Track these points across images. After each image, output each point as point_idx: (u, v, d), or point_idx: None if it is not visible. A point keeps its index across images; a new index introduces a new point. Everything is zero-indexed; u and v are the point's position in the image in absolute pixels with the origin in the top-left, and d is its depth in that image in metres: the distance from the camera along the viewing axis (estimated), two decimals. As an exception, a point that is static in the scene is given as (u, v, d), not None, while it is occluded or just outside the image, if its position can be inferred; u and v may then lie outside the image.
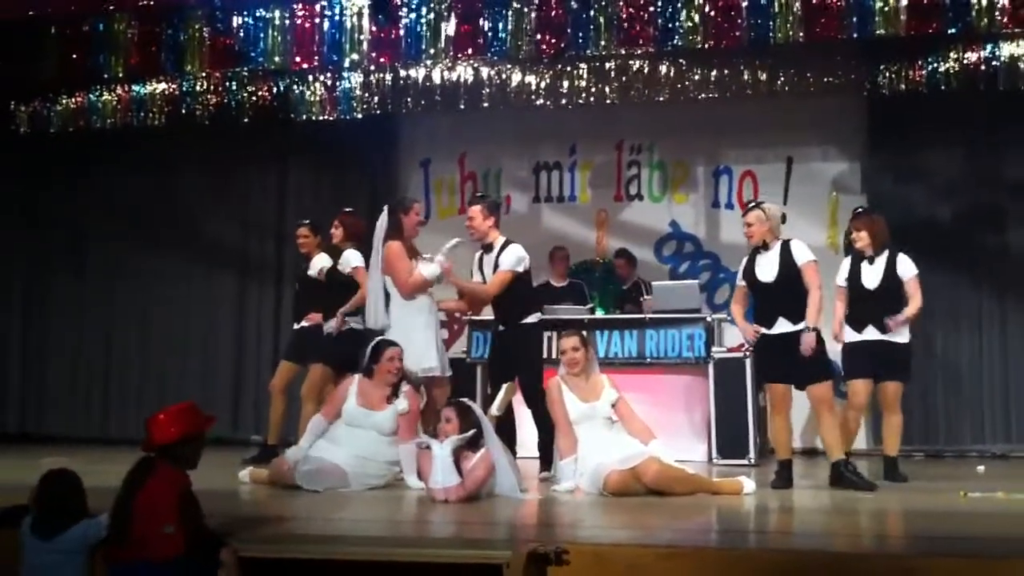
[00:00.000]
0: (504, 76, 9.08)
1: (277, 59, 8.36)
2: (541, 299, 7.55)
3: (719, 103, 9.11)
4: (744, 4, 7.60)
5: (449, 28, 8.03)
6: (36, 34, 8.57)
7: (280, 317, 10.06)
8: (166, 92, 9.43)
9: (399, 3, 8.01)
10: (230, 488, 6.41)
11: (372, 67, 8.89)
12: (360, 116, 9.34)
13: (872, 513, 5.68)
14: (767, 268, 6.56)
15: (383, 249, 6.93)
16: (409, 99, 9.24)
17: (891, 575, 4.08)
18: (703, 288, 9.18)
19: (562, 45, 8.00)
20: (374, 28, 8.13)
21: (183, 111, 9.42)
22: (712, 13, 7.67)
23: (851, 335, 6.90)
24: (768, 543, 4.93)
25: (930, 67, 8.47)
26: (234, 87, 9.43)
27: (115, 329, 10.62)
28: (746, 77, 8.79)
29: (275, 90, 9.41)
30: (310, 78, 9.29)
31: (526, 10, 7.92)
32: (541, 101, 9.12)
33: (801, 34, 7.58)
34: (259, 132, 9.93)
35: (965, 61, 8.35)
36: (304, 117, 9.42)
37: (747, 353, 8.04)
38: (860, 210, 7.68)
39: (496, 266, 6.98)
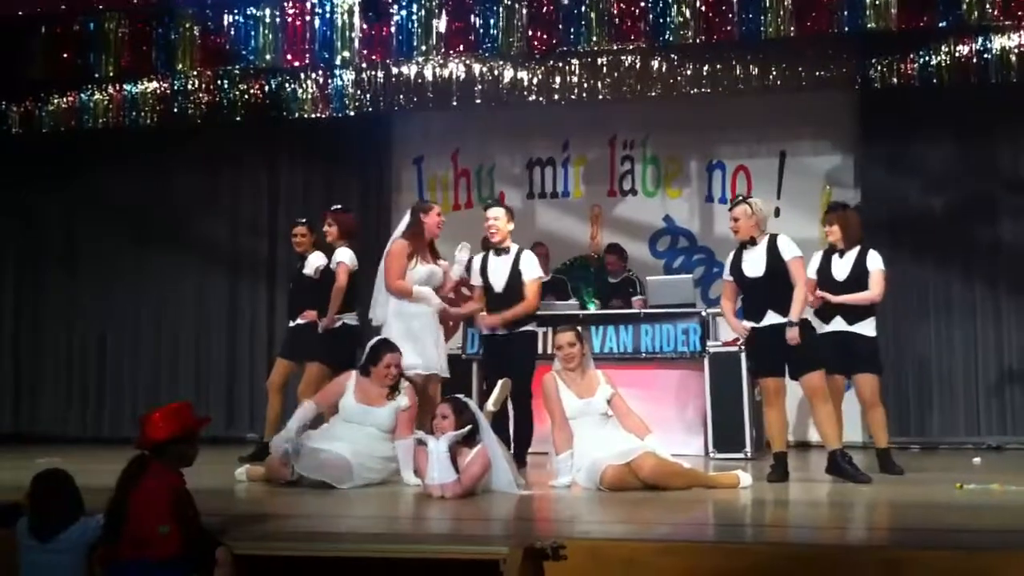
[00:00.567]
0: (496, 72, 9.07)
1: (269, 57, 8.35)
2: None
3: (712, 98, 9.11)
4: (735, -1, 7.62)
5: (440, 25, 8.03)
6: (27, 33, 8.56)
7: (274, 315, 10.06)
8: (158, 91, 9.40)
9: (390, 0, 8.00)
10: (226, 486, 6.40)
11: (364, 64, 8.88)
12: (352, 114, 9.33)
13: (867, 506, 5.68)
14: (754, 263, 6.56)
15: (389, 244, 7.10)
16: (401, 96, 9.23)
17: (887, 568, 4.08)
18: (697, 282, 9.19)
19: (554, 41, 8.01)
20: (365, 26, 8.12)
21: (175, 110, 9.39)
22: (703, 8, 7.68)
23: (819, 327, 6.86)
24: (765, 537, 4.94)
25: (922, 60, 8.47)
26: (226, 86, 9.41)
27: (108, 328, 10.61)
28: (738, 72, 8.79)
29: (267, 88, 9.39)
30: (302, 76, 9.27)
31: (517, 6, 7.92)
32: (533, 97, 9.12)
33: (792, 28, 7.59)
34: (251, 130, 9.91)
35: (957, 54, 8.35)
36: (296, 115, 9.40)
37: (742, 347, 8.04)
38: (834, 204, 7.59)
39: (514, 272, 7.08)
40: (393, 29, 8.10)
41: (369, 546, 4.37)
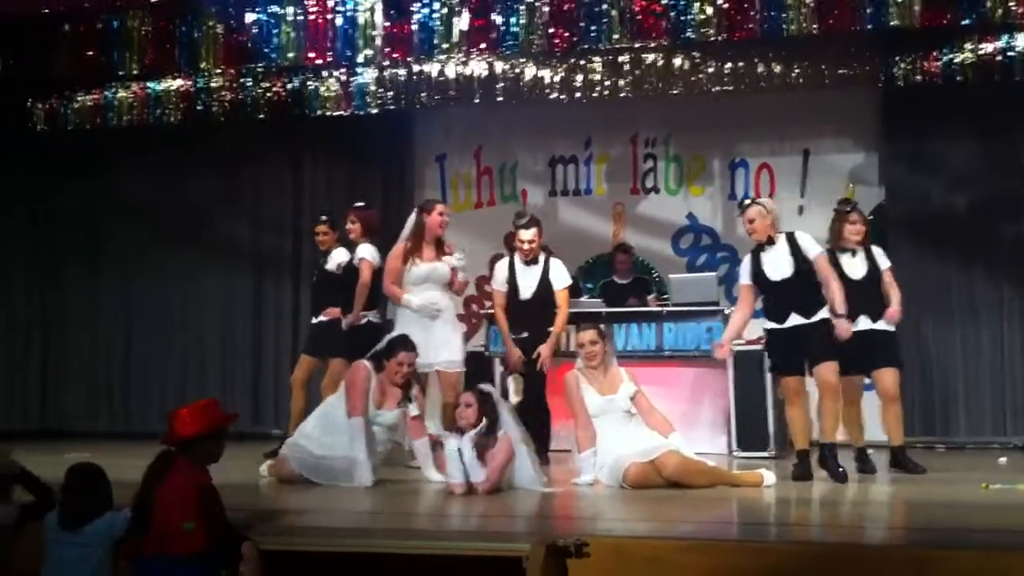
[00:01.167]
0: (518, 70, 9.06)
1: (291, 55, 8.38)
2: None
3: (734, 96, 9.07)
4: (757, -4, 7.60)
5: (462, 23, 8.04)
6: (51, 31, 8.62)
7: (298, 311, 10.08)
8: (181, 89, 9.44)
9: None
10: (251, 482, 6.44)
11: (386, 62, 8.89)
12: (375, 111, 9.34)
13: (892, 505, 5.67)
14: (777, 265, 6.50)
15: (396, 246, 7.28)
16: (423, 94, 9.23)
17: (911, 567, 4.07)
18: (721, 280, 9.15)
19: (575, 39, 8.01)
20: (387, 23, 8.14)
21: (198, 108, 9.43)
22: (725, 5, 7.66)
23: (864, 322, 6.80)
24: (789, 536, 4.93)
25: (945, 58, 8.42)
26: (249, 84, 9.44)
27: (134, 325, 10.66)
28: (760, 69, 8.75)
29: (289, 86, 9.41)
30: (324, 74, 9.29)
31: (538, 4, 7.92)
32: (555, 95, 9.10)
33: (815, 26, 7.56)
34: (274, 128, 9.93)
35: (980, 52, 8.30)
36: (319, 113, 9.42)
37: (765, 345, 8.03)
38: (853, 202, 7.53)
39: (544, 281, 7.29)
40: (415, 27, 8.11)
41: (392, 542, 4.40)
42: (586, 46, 8.22)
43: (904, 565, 4.10)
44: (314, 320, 8.01)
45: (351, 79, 9.31)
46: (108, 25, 8.59)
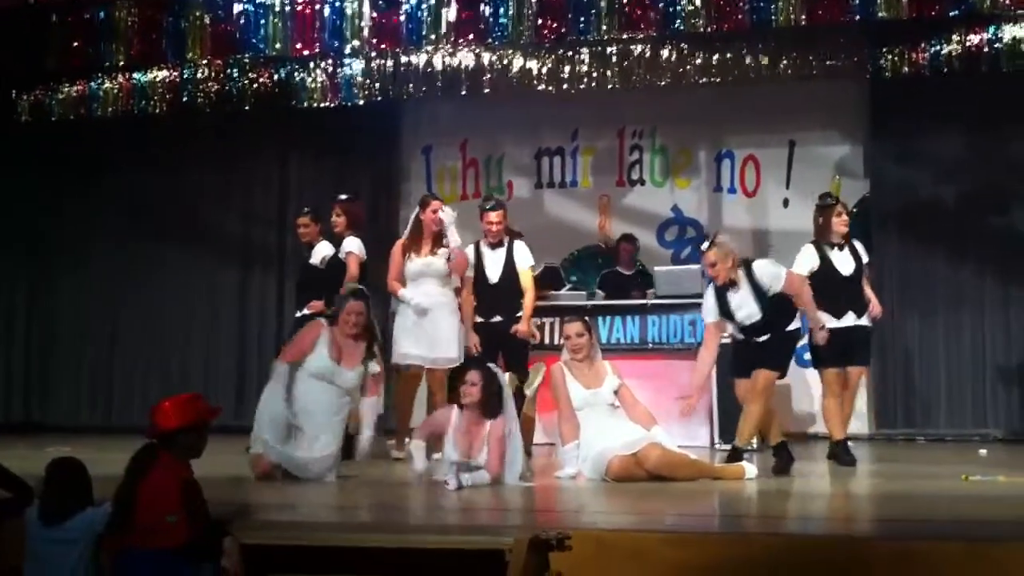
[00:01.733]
0: (505, 62, 9.04)
1: (278, 46, 8.34)
2: None
3: (721, 87, 9.08)
4: (745, -13, 7.59)
5: (450, 14, 8.02)
6: (37, 22, 8.57)
7: (283, 305, 10.07)
8: (167, 80, 9.38)
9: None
10: (234, 476, 6.42)
11: (373, 53, 8.86)
12: (362, 102, 9.31)
13: (874, 497, 5.69)
14: (744, 307, 6.42)
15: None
16: (411, 85, 9.20)
17: (893, 558, 4.08)
18: (705, 273, 9.16)
19: (563, 30, 7.99)
20: (374, 14, 8.11)
21: (184, 99, 9.38)
22: (714, -4, 7.66)
23: (830, 322, 6.80)
24: (771, 528, 4.94)
25: (932, 50, 8.43)
26: (235, 74, 9.39)
27: (118, 319, 10.64)
28: (748, 61, 8.75)
29: (276, 77, 9.37)
30: (311, 64, 9.25)
31: (526, -5, 7.91)
32: (543, 87, 9.08)
33: (803, 17, 7.56)
34: (261, 119, 9.90)
35: (967, 44, 8.30)
36: (305, 104, 9.39)
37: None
38: (835, 197, 7.54)
39: (509, 262, 7.41)
40: (403, 18, 8.09)
41: (374, 536, 4.40)
42: (574, 38, 8.21)
43: (885, 556, 4.12)
44: (298, 314, 7.99)
45: (338, 70, 9.28)
46: (95, 16, 8.54)
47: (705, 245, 6.56)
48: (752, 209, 9.69)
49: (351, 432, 7.12)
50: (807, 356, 7.42)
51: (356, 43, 8.23)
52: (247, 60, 9.09)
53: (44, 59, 8.67)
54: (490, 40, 8.24)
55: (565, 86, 9.06)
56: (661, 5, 7.76)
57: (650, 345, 8.20)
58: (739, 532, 4.69)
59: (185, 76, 9.38)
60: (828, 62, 8.71)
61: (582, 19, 7.89)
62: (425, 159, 10.41)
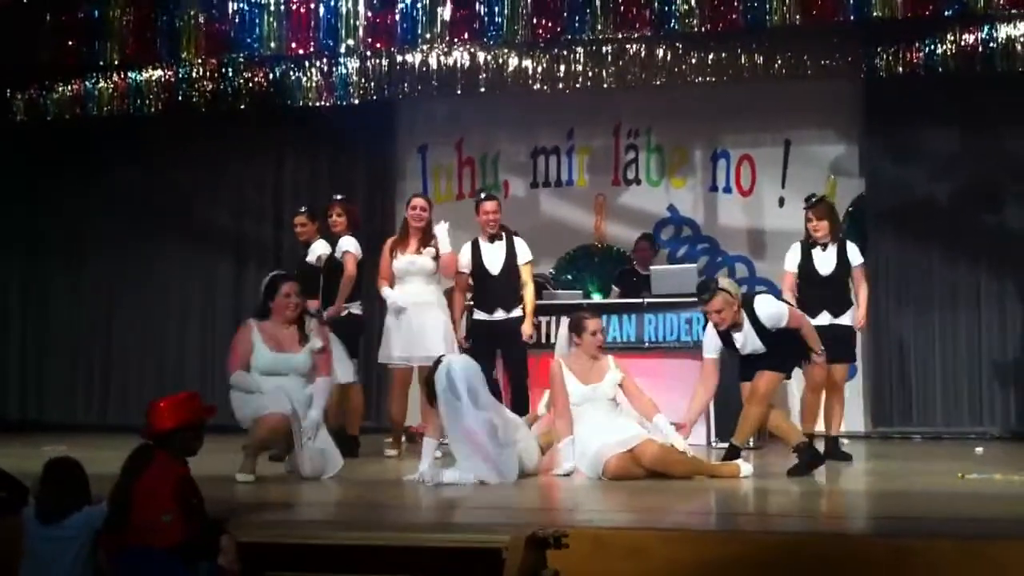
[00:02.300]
0: (501, 60, 9.05)
1: (273, 45, 8.35)
2: None
3: (716, 87, 9.09)
4: (740, -13, 7.60)
5: (445, 12, 8.03)
6: (31, 21, 8.55)
7: (278, 304, 10.03)
8: (162, 79, 9.39)
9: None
10: (230, 474, 6.41)
11: (368, 52, 8.86)
12: (357, 101, 9.31)
13: (870, 495, 5.70)
14: (750, 345, 6.43)
15: None
16: (406, 84, 9.21)
17: (889, 556, 4.09)
18: (701, 272, 9.17)
19: (558, 29, 8.00)
20: (370, 13, 8.11)
21: (180, 98, 9.38)
22: (709, -4, 7.67)
23: (825, 317, 6.95)
24: (769, 525, 4.95)
25: (927, 49, 8.44)
26: (230, 73, 9.39)
27: (114, 317, 10.62)
28: (743, 60, 8.76)
29: (271, 76, 9.37)
30: (306, 64, 9.25)
31: (521, -6, 7.92)
32: (538, 86, 9.09)
33: (798, 17, 7.57)
34: (256, 118, 9.89)
35: (962, 43, 8.32)
36: (300, 103, 9.39)
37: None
38: (817, 197, 7.55)
39: (510, 256, 7.51)
40: (398, 17, 8.10)
41: (371, 534, 4.39)
42: (569, 36, 8.22)
43: (882, 554, 4.13)
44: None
45: (333, 69, 9.28)
46: (89, 14, 8.53)
47: (708, 294, 6.43)
48: (748, 208, 9.70)
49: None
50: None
51: (351, 42, 8.25)
52: (242, 59, 9.08)
53: (38, 58, 8.66)
54: (485, 39, 8.26)
55: (560, 85, 9.07)
56: (656, 5, 7.78)
57: (646, 344, 8.19)
58: (736, 530, 4.69)
59: (180, 75, 9.38)
60: (823, 61, 8.73)
61: (577, 18, 7.90)
62: (421, 158, 10.40)
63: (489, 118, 10.13)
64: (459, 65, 9.04)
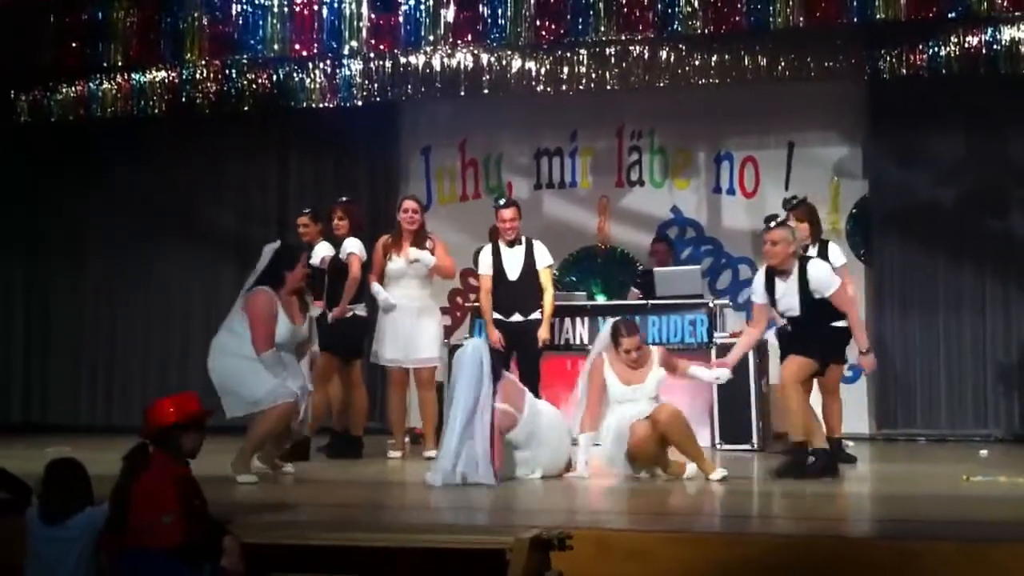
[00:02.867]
0: (504, 62, 9.04)
1: (276, 46, 8.35)
2: None
3: (720, 88, 9.07)
4: (743, -12, 7.60)
5: (448, 14, 8.02)
6: (35, 22, 8.56)
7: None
8: (166, 80, 9.38)
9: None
10: (231, 476, 6.41)
11: (372, 54, 8.86)
12: (360, 103, 9.31)
13: (874, 497, 5.70)
14: (788, 300, 6.29)
15: None
16: (409, 86, 9.20)
17: (893, 559, 4.09)
18: (705, 274, 9.18)
19: (562, 31, 7.99)
20: (373, 15, 8.12)
21: (183, 99, 9.38)
22: (712, -2, 7.67)
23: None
24: (772, 528, 4.94)
25: (931, 51, 8.42)
26: (234, 75, 9.39)
27: (117, 318, 10.62)
28: (746, 62, 8.74)
29: (275, 78, 9.37)
30: (310, 65, 9.25)
31: (525, -4, 7.92)
32: (541, 87, 9.08)
33: (801, 19, 7.56)
34: (259, 120, 9.90)
35: (966, 45, 8.30)
36: (304, 104, 9.38)
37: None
38: (798, 200, 7.47)
39: (529, 261, 7.56)
40: (401, 18, 8.10)
41: (375, 535, 4.40)
42: (572, 38, 8.21)
43: (886, 557, 4.13)
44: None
45: (336, 71, 9.28)
46: (93, 16, 8.54)
47: (775, 222, 6.42)
48: (751, 210, 9.68)
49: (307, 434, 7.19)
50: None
51: (354, 44, 8.24)
52: (245, 61, 9.08)
53: (42, 59, 8.67)
54: (489, 41, 8.25)
55: (564, 87, 9.05)
56: (659, 7, 7.77)
57: (650, 345, 8.17)
58: (740, 532, 4.69)
59: (184, 77, 9.38)
60: (826, 63, 8.71)
61: (580, 20, 7.90)
62: (424, 159, 10.40)
63: (492, 120, 10.13)
64: (462, 67, 9.03)
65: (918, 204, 9.22)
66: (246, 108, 9.44)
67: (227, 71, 9.36)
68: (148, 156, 10.42)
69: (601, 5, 7.81)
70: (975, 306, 9.12)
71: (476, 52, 8.91)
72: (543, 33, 7.99)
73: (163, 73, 9.33)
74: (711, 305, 8.26)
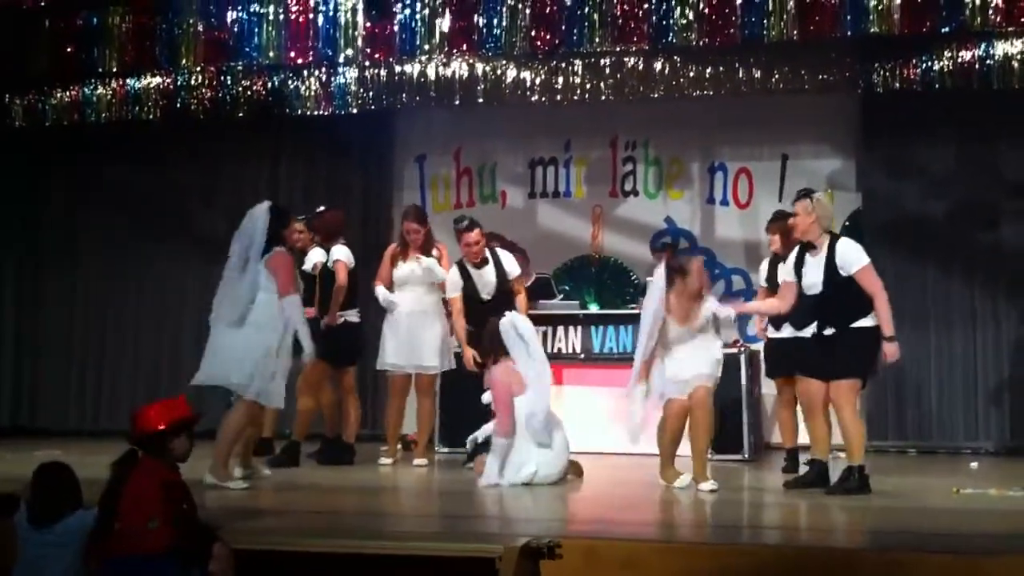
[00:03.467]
0: (499, 72, 9.05)
1: (272, 54, 8.37)
2: None
3: (714, 100, 9.09)
4: (738, 2, 7.62)
5: (444, 24, 8.05)
6: (29, 27, 8.57)
7: (274, 311, 10.02)
8: (160, 86, 9.38)
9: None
10: (217, 484, 6.39)
11: (367, 63, 8.87)
12: (355, 111, 9.32)
13: (864, 509, 5.69)
14: (812, 275, 6.22)
15: None
16: (404, 95, 9.19)
17: (883, 570, 4.10)
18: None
19: (556, 41, 8.03)
20: (368, 24, 8.13)
21: (178, 106, 9.37)
22: (706, 10, 7.69)
23: (789, 332, 6.76)
24: (761, 538, 4.95)
25: (924, 65, 8.45)
26: (229, 82, 9.38)
27: (108, 322, 10.60)
28: (740, 74, 8.76)
29: (270, 85, 9.36)
30: (305, 73, 9.25)
31: (520, 6, 7.93)
32: (536, 97, 9.08)
33: (795, 32, 7.60)
34: (254, 127, 9.90)
35: (959, 59, 8.32)
36: (299, 112, 9.39)
37: (742, 349, 8.09)
38: (777, 214, 7.55)
39: (501, 274, 7.49)
40: (396, 27, 8.12)
41: (365, 542, 4.39)
42: (567, 49, 8.24)
43: (876, 568, 4.14)
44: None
45: (331, 79, 9.29)
46: (88, 21, 8.54)
47: (800, 193, 6.40)
48: (745, 221, 9.70)
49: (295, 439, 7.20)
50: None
51: (350, 52, 8.27)
52: (241, 68, 9.09)
53: (37, 64, 8.66)
54: (484, 50, 8.28)
55: (558, 97, 9.05)
56: (654, 18, 7.80)
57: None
58: (730, 543, 4.69)
59: (179, 83, 9.37)
60: (820, 76, 8.72)
61: (575, 31, 7.93)
62: (418, 168, 10.40)
63: (487, 129, 10.14)
64: (457, 76, 9.04)
65: (910, 217, 9.24)
66: (241, 115, 9.42)
67: (222, 78, 9.34)
68: (143, 159, 10.39)
69: (596, 16, 7.84)
70: (966, 318, 9.13)
71: (471, 61, 8.92)
72: (538, 43, 8.02)
73: (158, 79, 9.32)
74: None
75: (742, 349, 8.01)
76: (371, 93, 9.23)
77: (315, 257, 7.83)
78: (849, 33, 7.60)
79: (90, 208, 10.61)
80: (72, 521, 4.10)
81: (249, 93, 9.36)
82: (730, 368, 7.94)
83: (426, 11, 8.07)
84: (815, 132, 9.68)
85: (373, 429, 9.02)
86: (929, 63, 8.41)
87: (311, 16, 8.23)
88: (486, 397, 6.72)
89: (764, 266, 7.45)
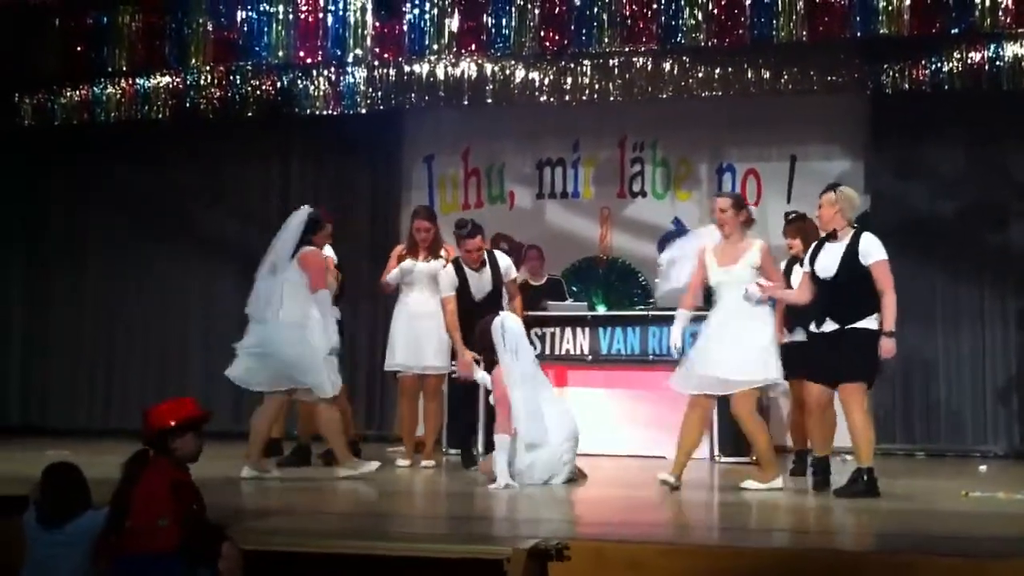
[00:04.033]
0: (508, 72, 9.06)
1: (281, 53, 8.39)
2: None
3: (722, 101, 9.09)
4: (747, 2, 7.63)
5: (453, 24, 8.07)
6: (40, 26, 8.59)
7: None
8: (170, 86, 9.41)
9: (403, -1, 8.04)
10: (232, 481, 6.42)
11: (376, 62, 8.89)
12: (364, 111, 9.33)
13: (872, 512, 5.68)
14: (829, 260, 6.19)
15: None
16: (413, 95, 9.22)
17: (891, 573, 4.09)
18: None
19: (565, 42, 8.04)
20: (378, 23, 8.15)
21: (187, 105, 9.40)
22: (715, 11, 7.70)
23: (801, 336, 6.75)
24: (769, 540, 4.94)
25: (933, 67, 8.45)
26: (238, 81, 9.41)
27: (117, 322, 10.63)
28: (749, 75, 8.76)
29: (279, 85, 9.39)
30: (314, 73, 9.27)
31: (529, 6, 7.95)
32: (544, 97, 9.09)
33: (804, 33, 7.60)
34: (263, 126, 9.92)
35: (968, 61, 8.32)
36: (308, 112, 9.41)
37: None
38: (793, 215, 7.55)
39: (496, 276, 7.46)
40: (405, 27, 8.14)
41: (373, 543, 4.39)
42: (576, 49, 8.24)
43: (884, 571, 4.13)
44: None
45: (341, 78, 9.30)
46: (97, 21, 8.57)
47: (828, 186, 6.43)
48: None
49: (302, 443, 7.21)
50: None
51: (359, 52, 8.28)
52: (250, 67, 9.11)
53: (46, 63, 8.69)
54: (492, 51, 8.29)
55: (567, 97, 9.07)
56: (663, 19, 7.81)
57: (651, 357, 8.19)
58: (737, 545, 4.68)
59: (188, 82, 9.40)
60: (829, 77, 8.73)
61: (584, 31, 7.94)
62: (427, 168, 10.41)
63: (495, 129, 10.15)
64: (466, 76, 9.05)
65: (919, 219, 9.23)
66: (250, 114, 9.45)
67: (231, 77, 9.38)
68: (149, 158, 10.43)
69: (605, 16, 7.85)
70: (975, 321, 9.12)
71: (480, 62, 8.93)
72: (547, 43, 8.03)
73: (167, 78, 9.36)
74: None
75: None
76: (380, 93, 9.25)
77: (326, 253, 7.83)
78: (858, 34, 7.60)
79: (97, 206, 10.65)
80: (82, 521, 4.11)
81: (258, 93, 9.40)
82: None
83: (435, 11, 8.09)
84: (824, 133, 9.67)
85: (381, 430, 9.03)
86: (938, 64, 8.40)
87: (320, 16, 8.25)
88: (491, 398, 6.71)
89: (781, 268, 7.31)
